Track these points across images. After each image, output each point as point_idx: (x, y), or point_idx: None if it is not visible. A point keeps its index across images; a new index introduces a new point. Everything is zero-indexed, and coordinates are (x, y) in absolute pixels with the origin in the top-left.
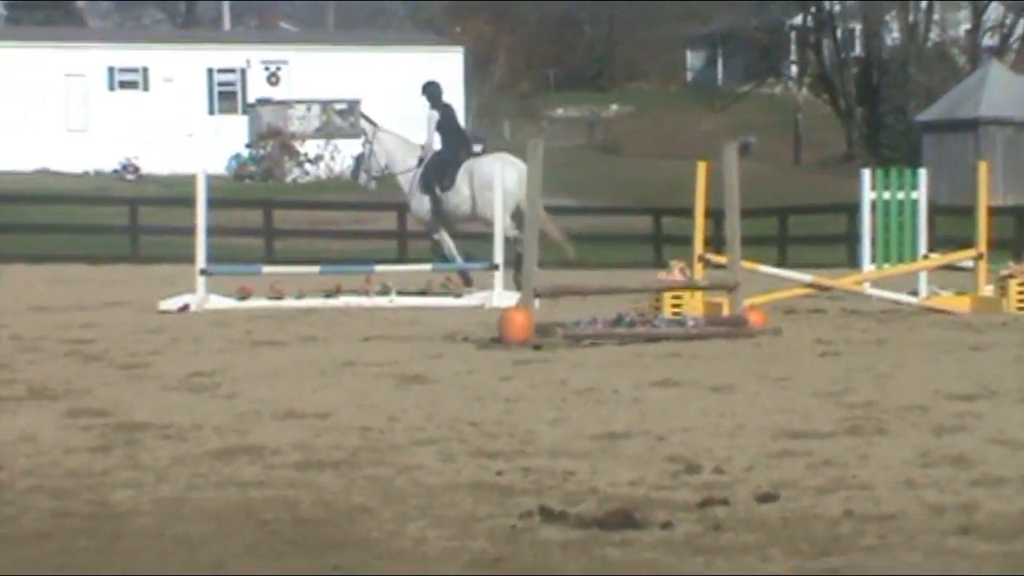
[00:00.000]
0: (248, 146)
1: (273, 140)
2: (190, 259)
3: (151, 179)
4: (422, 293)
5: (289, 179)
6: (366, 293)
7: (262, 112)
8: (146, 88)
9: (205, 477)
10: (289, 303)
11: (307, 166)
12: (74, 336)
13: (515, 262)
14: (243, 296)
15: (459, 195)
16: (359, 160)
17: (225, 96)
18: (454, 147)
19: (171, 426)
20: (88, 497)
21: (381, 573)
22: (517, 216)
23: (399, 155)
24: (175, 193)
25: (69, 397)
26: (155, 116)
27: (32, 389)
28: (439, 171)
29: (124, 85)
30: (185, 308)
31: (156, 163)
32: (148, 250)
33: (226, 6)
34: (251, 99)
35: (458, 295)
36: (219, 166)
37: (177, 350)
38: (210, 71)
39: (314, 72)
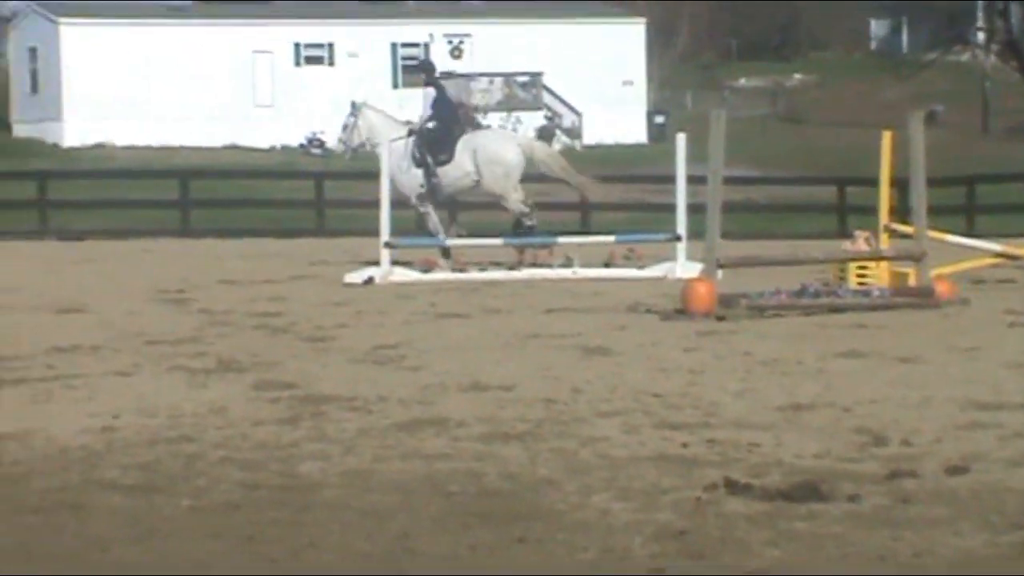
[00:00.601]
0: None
1: None
2: (375, 232)
3: (334, 154)
4: (605, 265)
5: None
6: (549, 265)
7: (445, 86)
8: (331, 63)
9: (391, 449)
10: (473, 275)
11: None
12: (262, 309)
13: (516, 232)
14: (427, 269)
15: (460, 169)
16: (417, 130)
17: (409, 70)
18: (447, 123)
19: (357, 398)
20: (276, 469)
21: (566, 544)
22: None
23: (382, 129)
24: (360, 167)
25: (257, 369)
26: (340, 91)
27: (221, 362)
28: (434, 146)
29: (310, 61)
30: (370, 281)
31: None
32: (334, 223)
33: None
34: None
35: (640, 267)
36: None
37: (362, 323)
38: (394, 45)
39: (497, 45)
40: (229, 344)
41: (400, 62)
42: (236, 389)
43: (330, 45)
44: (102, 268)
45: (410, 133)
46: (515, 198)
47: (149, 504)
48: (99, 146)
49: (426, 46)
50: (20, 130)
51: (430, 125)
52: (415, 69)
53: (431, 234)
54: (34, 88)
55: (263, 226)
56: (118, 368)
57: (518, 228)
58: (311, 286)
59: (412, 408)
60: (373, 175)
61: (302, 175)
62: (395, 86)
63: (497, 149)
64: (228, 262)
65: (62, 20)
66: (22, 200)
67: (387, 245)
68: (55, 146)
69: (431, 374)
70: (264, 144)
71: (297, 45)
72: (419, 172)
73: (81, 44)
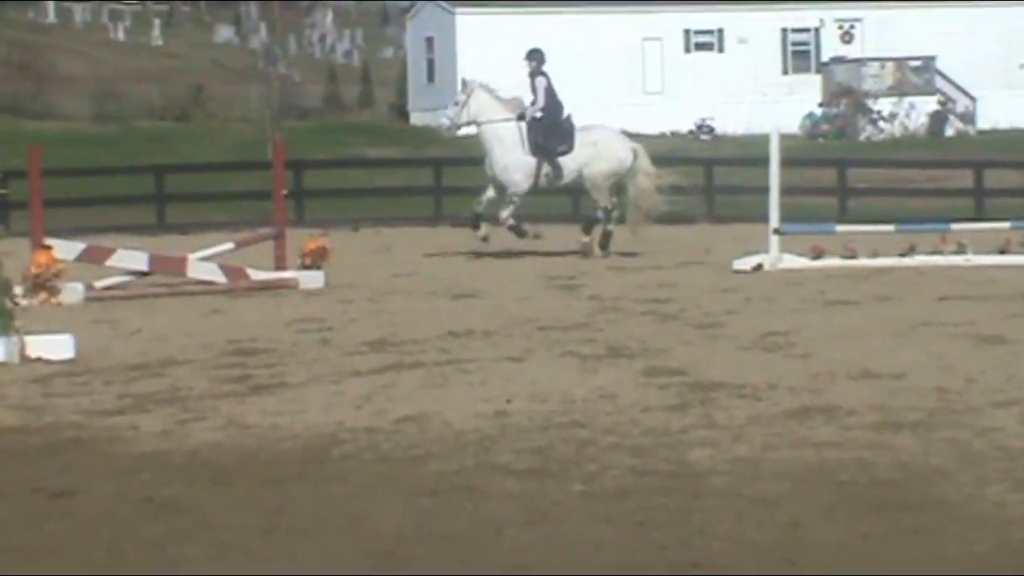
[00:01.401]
0: (821, 105)
1: (846, 99)
2: (764, 219)
3: (726, 139)
4: (1000, 252)
5: (862, 137)
6: (941, 252)
7: (835, 71)
8: (721, 49)
9: (780, 437)
10: (863, 262)
11: (881, 124)
12: (651, 295)
13: (587, 223)
14: (816, 255)
15: (576, 161)
16: (528, 117)
17: (799, 55)
18: (558, 113)
19: (746, 385)
20: (666, 455)
21: (960, 536)
22: (614, 187)
23: (490, 112)
24: (749, 153)
25: (646, 356)
26: (729, 77)
27: (611, 348)
28: (553, 135)
29: (699, 47)
30: (759, 268)
31: (731, 123)
32: (723, 210)
33: None
34: (824, 58)
35: None
36: (792, 125)
37: (751, 309)
38: (784, 31)
39: (888, 29)
40: (619, 330)
41: (790, 47)
42: (626, 375)
43: (720, 31)
44: (494, 254)
45: (520, 118)
46: (607, 193)
47: (541, 488)
48: None
49: (816, 30)
50: (417, 118)
51: (538, 114)
52: (527, 57)
53: (519, 228)
54: (430, 77)
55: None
56: (510, 353)
57: (589, 221)
58: (700, 273)
59: (801, 396)
60: (761, 161)
61: (692, 161)
62: (784, 72)
63: (616, 145)
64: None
65: (458, 10)
66: (419, 187)
67: (776, 232)
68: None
69: (820, 361)
70: (654, 131)
71: (687, 31)
72: (531, 160)
73: (476, 33)
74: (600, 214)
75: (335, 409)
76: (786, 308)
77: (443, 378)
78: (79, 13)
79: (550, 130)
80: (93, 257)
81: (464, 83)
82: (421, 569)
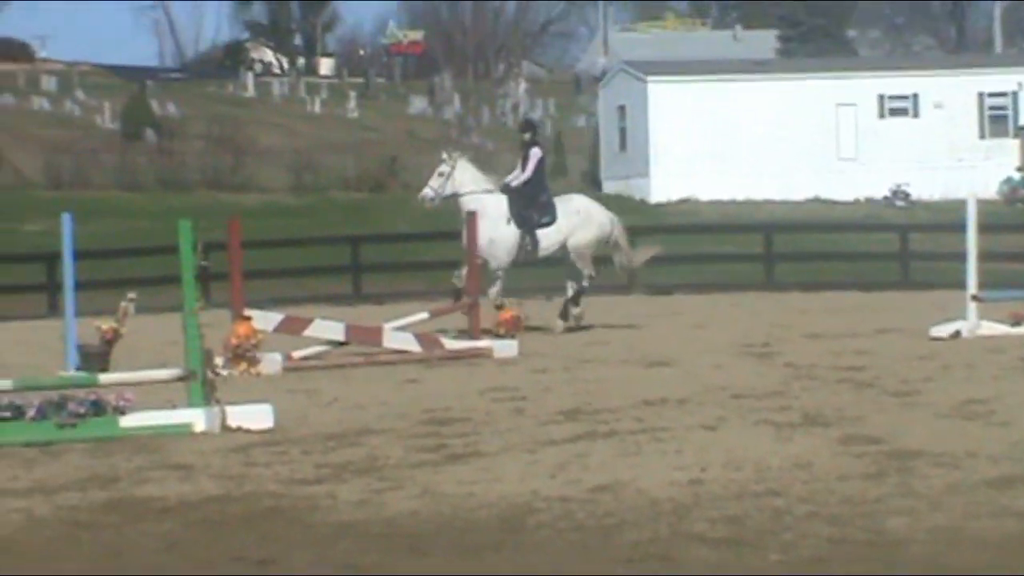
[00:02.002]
0: (1019, 169)
1: None
2: (961, 285)
3: (921, 205)
4: None
5: None
6: None
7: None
8: (916, 114)
9: (981, 506)
10: None
11: None
12: (847, 363)
13: (575, 295)
14: (1016, 322)
15: (559, 232)
16: (510, 189)
17: (995, 120)
18: (540, 186)
19: (944, 454)
20: (862, 524)
21: None
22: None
23: (470, 182)
24: (945, 219)
25: (842, 424)
26: (925, 142)
27: (806, 415)
28: (537, 207)
29: (894, 112)
30: (957, 334)
31: (926, 189)
32: (918, 276)
33: (997, 28)
34: (1022, 122)
35: None
36: (990, 190)
37: (949, 377)
38: (980, 95)
39: None
40: (814, 398)
41: (987, 111)
42: (821, 443)
43: (915, 96)
44: (688, 322)
45: (503, 190)
46: (591, 262)
47: (737, 558)
48: (684, 201)
49: (1014, 94)
50: (609, 186)
51: (517, 184)
52: (521, 128)
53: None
54: (622, 145)
55: (847, 279)
56: (704, 421)
57: (576, 293)
58: (896, 340)
59: (1002, 464)
60: (957, 227)
61: (886, 227)
62: (981, 136)
63: (599, 213)
64: (812, 315)
65: (650, 78)
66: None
67: (974, 298)
68: (642, 202)
69: (1021, 430)
70: (848, 197)
71: (881, 97)
72: (515, 233)
73: (667, 101)
74: (586, 283)
75: (530, 478)
76: (985, 375)
77: (637, 446)
78: (277, 87)
79: (532, 201)
80: (291, 328)
81: (448, 154)
82: None
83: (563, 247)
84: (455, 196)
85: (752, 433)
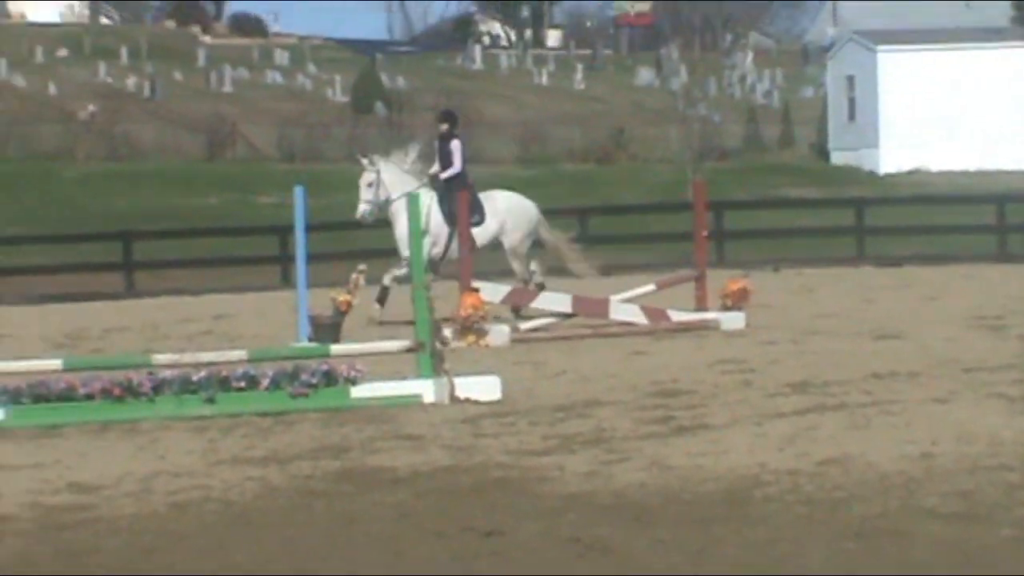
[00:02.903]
0: None
1: None
2: None
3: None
4: None
5: None
6: None
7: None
8: None
9: None
10: None
11: None
12: None
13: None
14: None
15: (487, 230)
16: (437, 183)
17: None
18: (467, 179)
19: None
20: None
21: None
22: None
23: (398, 184)
24: None
25: None
26: None
27: None
28: (469, 204)
29: None
30: None
31: None
32: None
33: None
34: None
35: None
36: None
37: None
38: None
39: None
40: None
41: None
42: None
43: None
44: (919, 294)
45: (432, 184)
46: (525, 259)
47: (968, 533)
48: (914, 172)
49: None
50: (837, 157)
51: (444, 176)
52: (440, 119)
53: (384, 296)
54: (851, 116)
55: None
56: (935, 395)
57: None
58: None
59: None
60: None
61: None
62: None
63: (526, 206)
64: None
65: (880, 47)
66: (840, 227)
67: None
68: (871, 173)
69: None
70: None
71: None
72: (444, 230)
73: (898, 70)
74: (538, 278)
75: (757, 451)
76: None
77: (866, 420)
78: (504, 59)
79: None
80: (518, 300)
81: (370, 161)
82: None
83: (491, 245)
84: (388, 201)
85: (984, 407)
